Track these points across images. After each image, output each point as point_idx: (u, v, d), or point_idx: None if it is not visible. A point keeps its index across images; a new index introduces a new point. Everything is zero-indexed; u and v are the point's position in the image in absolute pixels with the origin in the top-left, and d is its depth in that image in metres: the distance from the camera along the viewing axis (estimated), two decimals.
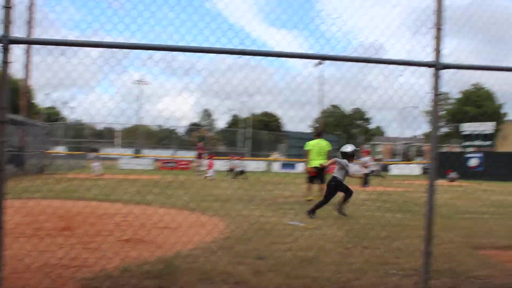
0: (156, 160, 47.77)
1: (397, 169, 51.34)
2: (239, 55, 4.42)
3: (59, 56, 4.16)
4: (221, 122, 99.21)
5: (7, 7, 3.75)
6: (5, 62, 3.81)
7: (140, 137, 62.17)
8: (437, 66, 4.45)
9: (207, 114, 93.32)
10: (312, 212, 10.12)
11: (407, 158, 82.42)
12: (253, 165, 45.16)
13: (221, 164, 34.42)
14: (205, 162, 30.13)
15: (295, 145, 46.61)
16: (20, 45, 4.06)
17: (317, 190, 14.33)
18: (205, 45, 4.33)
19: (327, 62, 4.91)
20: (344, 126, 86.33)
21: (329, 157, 14.11)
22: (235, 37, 4.45)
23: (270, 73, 4.73)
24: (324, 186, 14.35)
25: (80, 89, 5.10)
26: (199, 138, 56.31)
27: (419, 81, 4.80)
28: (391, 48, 4.90)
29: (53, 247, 6.31)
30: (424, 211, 4.75)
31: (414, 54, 4.70)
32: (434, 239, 4.61)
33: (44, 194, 12.75)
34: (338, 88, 4.99)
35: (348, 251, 6.65)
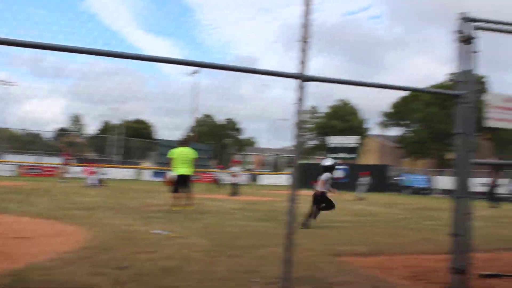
0: (20, 165, 44.66)
1: (267, 179, 52.82)
2: (115, 57, 4.22)
3: None
4: (91, 128, 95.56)
5: None
6: None
7: (2, 141, 57.82)
8: (302, 77, 4.60)
9: (76, 119, 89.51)
10: (305, 225, 10.69)
11: (276, 168, 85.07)
12: (123, 172, 44.02)
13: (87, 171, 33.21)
14: (73, 169, 29.02)
15: (166, 153, 46.14)
16: None
17: (184, 199, 14.29)
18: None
19: (203, 72, 4.88)
20: (217, 136, 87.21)
21: (195, 165, 14.26)
22: (111, 39, 4.26)
23: (145, 80, 4.60)
24: (191, 195, 14.41)
25: None
26: (67, 143, 53.77)
27: (290, 94, 4.93)
28: (270, 61, 4.99)
29: None
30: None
31: (287, 67, 4.82)
32: (295, 247, 4.74)
33: None
34: (212, 98, 4.97)
35: (213, 260, 6.64)
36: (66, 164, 32.48)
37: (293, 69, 4.70)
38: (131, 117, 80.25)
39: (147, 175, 47.78)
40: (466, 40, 5.36)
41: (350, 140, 54.81)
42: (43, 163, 46.85)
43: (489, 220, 14.81)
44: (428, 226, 12.81)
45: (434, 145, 57.49)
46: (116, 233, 8.02)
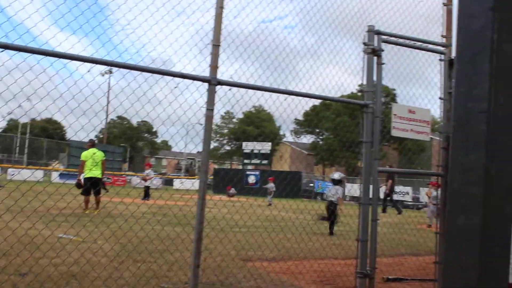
0: None
1: (180, 183, 52.30)
2: (25, 52, 4.00)
3: None
4: None
5: None
6: None
7: None
8: (212, 81, 4.60)
9: None
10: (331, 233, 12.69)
11: (190, 173, 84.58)
12: (29, 173, 41.92)
13: None
14: None
15: (77, 154, 44.62)
16: None
17: (93, 202, 14.06)
18: None
19: (119, 72, 4.73)
20: (130, 138, 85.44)
21: (105, 168, 14.20)
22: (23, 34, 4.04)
23: (53, 78, 4.37)
24: (100, 198, 14.11)
25: None
26: None
27: (204, 98, 4.89)
28: (187, 64, 4.92)
29: None
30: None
31: (199, 70, 4.80)
32: (204, 252, 4.70)
33: None
34: (125, 99, 4.82)
35: (121, 265, 6.46)
36: None
37: (207, 71, 4.68)
38: (42, 116, 76.59)
39: (56, 177, 45.78)
40: (373, 52, 5.58)
41: (264, 147, 55.53)
42: None
43: (394, 227, 15.49)
44: (337, 231, 13.19)
45: (344, 153, 59.48)
46: (16, 237, 7.58)
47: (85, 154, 14.44)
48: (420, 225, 18.08)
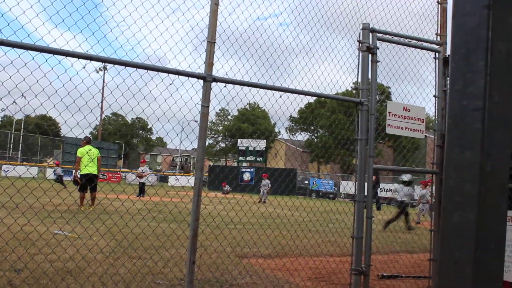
0: None
1: (175, 180, 52.27)
2: (20, 48, 3.98)
3: None
4: None
5: None
6: None
7: None
8: (207, 78, 4.60)
9: None
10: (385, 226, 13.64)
11: (185, 169, 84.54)
12: (24, 170, 41.78)
13: None
14: None
15: (72, 151, 44.56)
16: None
17: (89, 198, 14.13)
18: None
19: (114, 69, 4.72)
20: (125, 135, 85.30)
21: (101, 164, 14.29)
22: (18, 31, 4.02)
23: (51, 74, 4.35)
24: (96, 194, 14.14)
25: None
26: None
27: (199, 95, 4.89)
28: (182, 61, 4.91)
29: None
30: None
31: (195, 67, 4.80)
32: (200, 249, 4.71)
33: None
34: (120, 96, 4.81)
35: (116, 262, 6.46)
36: None
37: (202, 68, 4.68)
38: (36, 113, 76.16)
39: (51, 174, 45.65)
40: (368, 50, 5.59)
41: (259, 144, 55.58)
42: None
43: (389, 224, 15.54)
44: (333, 229, 13.22)
45: (339, 151, 59.56)
46: (12, 234, 7.56)
47: (81, 151, 14.51)
48: (414, 223, 18.17)
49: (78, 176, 14.17)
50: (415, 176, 41.05)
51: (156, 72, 4.66)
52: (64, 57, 4.24)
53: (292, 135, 76.54)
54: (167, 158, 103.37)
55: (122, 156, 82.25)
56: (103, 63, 4.79)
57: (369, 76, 5.68)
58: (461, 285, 1.29)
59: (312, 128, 72.18)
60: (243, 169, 48.69)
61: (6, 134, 64.67)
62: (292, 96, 5.49)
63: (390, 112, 5.79)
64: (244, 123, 73.85)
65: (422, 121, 6.11)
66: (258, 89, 5.15)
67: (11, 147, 60.67)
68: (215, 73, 4.68)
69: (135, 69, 4.57)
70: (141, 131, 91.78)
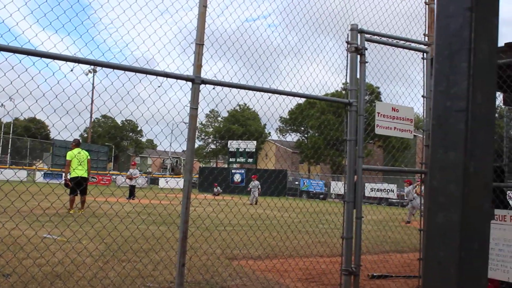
0: None
1: (165, 182, 52.10)
2: (6, 52, 3.96)
3: None
4: None
5: None
6: None
7: None
8: (196, 80, 4.59)
9: None
10: None
11: (175, 171, 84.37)
12: (12, 173, 41.48)
13: None
14: None
15: (61, 154, 44.30)
16: None
17: (79, 202, 14.08)
18: None
19: (102, 71, 4.70)
20: (115, 137, 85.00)
21: (90, 167, 14.24)
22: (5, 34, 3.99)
23: (36, 78, 4.32)
24: (85, 197, 14.09)
25: None
26: None
27: (188, 97, 4.89)
28: (171, 64, 4.91)
29: None
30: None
31: (183, 69, 4.80)
32: (189, 251, 4.70)
33: None
34: (108, 98, 4.80)
35: (106, 265, 6.43)
36: None
37: (191, 70, 4.67)
38: (25, 116, 75.68)
39: (40, 177, 45.31)
40: (356, 50, 5.61)
41: (249, 145, 55.60)
42: None
43: (379, 224, 15.61)
44: (323, 229, 13.24)
45: (328, 151, 59.70)
46: (4, 238, 7.52)
47: (70, 154, 14.46)
48: (404, 223, 18.26)
49: (69, 179, 14.11)
50: (405, 176, 41.23)
51: (145, 75, 4.65)
52: (52, 60, 4.22)
53: (283, 136, 76.63)
54: (157, 160, 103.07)
55: (112, 158, 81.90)
56: (92, 66, 4.78)
57: (358, 77, 5.70)
58: (446, 285, 1.30)
59: (302, 129, 72.31)
60: (234, 171, 48.68)
61: None
62: (281, 97, 5.50)
63: (379, 113, 5.82)
64: (234, 124, 73.84)
65: (411, 121, 6.14)
66: (247, 90, 5.16)
67: (0, 150, 60.20)
68: (203, 75, 4.69)
69: (123, 71, 4.56)
70: (131, 133, 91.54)
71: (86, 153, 14.86)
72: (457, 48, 1.31)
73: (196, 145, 4.62)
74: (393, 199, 38.31)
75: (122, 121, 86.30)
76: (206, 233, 10.15)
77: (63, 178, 14.73)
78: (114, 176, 50.43)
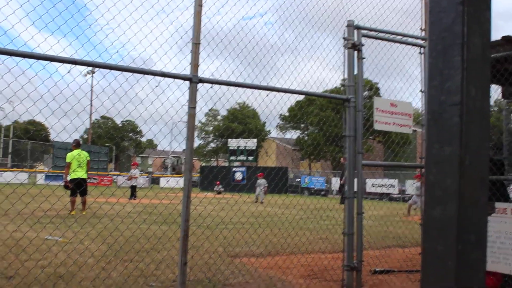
0: None
1: (166, 181, 52.08)
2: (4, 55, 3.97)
3: None
4: None
5: None
6: None
7: None
8: (193, 79, 4.60)
9: None
10: None
11: (176, 171, 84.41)
12: (13, 176, 41.47)
13: None
14: None
15: (62, 156, 44.28)
16: None
17: (79, 203, 14.09)
18: None
19: (99, 72, 4.72)
20: (115, 138, 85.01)
21: (90, 168, 14.23)
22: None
23: (33, 80, 4.33)
24: (86, 199, 14.11)
25: None
26: None
27: (186, 96, 4.89)
28: (168, 63, 4.92)
29: None
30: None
31: (180, 69, 4.80)
32: (191, 250, 4.71)
33: None
34: (106, 99, 4.81)
35: (108, 265, 6.44)
36: None
37: (188, 71, 4.68)
38: (25, 118, 75.57)
39: (41, 179, 45.30)
40: (353, 47, 5.62)
41: (249, 143, 55.58)
42: None
43: (380, 219, 15.63)
44: (324, 226, 13.26)
45: (328, 148, 59.70)
46: (1, 240, 7.53)
47: (69, 156, 14.44)
48: (406, 217, 18.26)
49: (69, 181, 14.10)
50: (404, 171, 41.21)
51: (142, 75, 4.65)
52: (49, 62, 4.22)
53: (283, 133, 76.63)
54: (157, 159, 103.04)
55: (113, 159, 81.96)
56: (89, 67, 4.80)
57: (356, 73, 5.71)
58: (444, 278, 1.31)
59: (302, 125, 72.30)
60: (235, 169, 48.67)
61: None
62: (279, 94, 5.52)
63: (377, 108, 5.83)
64: (234, 122, 73.85)
65: (410, 116, 6.15)
66: (245, 88, 5.16)
67: (1, 153, 60.19)
68: (201, 74, 4.69)
69: (120, 72, 4.57)
70: (130, 134, 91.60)
71: (86, 154, 14.85)
72: (450, 42, 1.32)
73: (196, 144, 4.66)
74: (394, 194, 38.30)
75: (121, 121, 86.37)
76: (207, 231, 10.16)
77: (63, 179, 14.74)
78: (114, 177, 50.45)
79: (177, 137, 5.45)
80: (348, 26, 5.63)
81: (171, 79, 4.74)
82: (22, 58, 4.08)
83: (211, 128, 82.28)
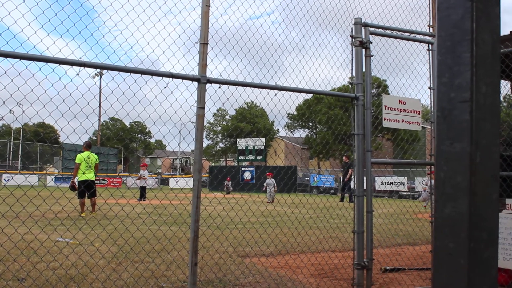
0: None
1: (175, 182, 52.22)
2: (13, 58, 3.99)
3: None
4: None
5: None
6: None
7: None
8: (201, 80, 4.61)
9: None
10: None
11: (185, 171, 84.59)
12: (23, 178, 41.70)
13: None
14: None
15: (71, 158, 44.53)
16: None
17: (89, 205, 14.19)
18: None
19: (108, 74, 4.73)
20: (123, 140, 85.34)
21: (99, 170, 14.27)
22: (11, 40, 4.02)
23: (43, 83, 4.35)
24: (95, 200, 14.18)
25: None
26: None
27: (194, 96, 4.90)
28: (176, 64, 4.92)
29: None
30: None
31: (189, 69, 4.82)
32: (201, 250, 4.72)
33: None
34: (115, 101, 4.83)
35: (119, 267, 6.47)
36: None
37: (196, 72, 4.68)
38: (33, 121, 76.04)
39: (51, 181, 45.55)
40: (361, 44, 5.60)
41: (258, 142, 55.56)
42: None
43: (390, 217, 15.58)
44: (334, 224, 13.22)
45: (337, 146, 59.55)
46: (13, 243, 7.58)
47: (79, 157, 14.50)
48: (416, 215, 18.18)
49: (76, 182, 14.16)
50: (414, 168, 41.02)
51: (151, 76, 4.67)
52: (58, 64, 4.25)
53: (291, 132, 76.56)
54: (167, 160, 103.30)
55: (122, 160, 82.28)
56: (98, 69, 4.83)
57: (363, 70, 5.69)
58: (456, 276, 1.30)
59: (311, 124, 72.21)
60: (244, 168, 48.67)
61: (4, 143, 64.59)
62: (287, 93, 5.51)
63: (386, 106, 5.81)
64: (242, 122, 73.89)
65: (418, 113, 6.12)
66: (253, 88, 5.16)
67: (11, 156, 60.63)
68: (209, 74, 4.70)
69: (129, 73, 4.58)
70: (139, 135, 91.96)
71: (96, 156, 14.92)
72: (459, 38, 1.32)
73: (204, 144, 4.64)
74: (403, 191, 38.13)
75: (130, 123, 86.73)
76: (217, 231, 10.17)
77: (71, 181, 14.80)
78: (124, 178, 50.63)
79: (186, 137, 5.46)
80: (355, 23, 5.62)
81: (180, 80, 4.75)
82: (32, 61, 4.10)
83: (220, 128, 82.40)
